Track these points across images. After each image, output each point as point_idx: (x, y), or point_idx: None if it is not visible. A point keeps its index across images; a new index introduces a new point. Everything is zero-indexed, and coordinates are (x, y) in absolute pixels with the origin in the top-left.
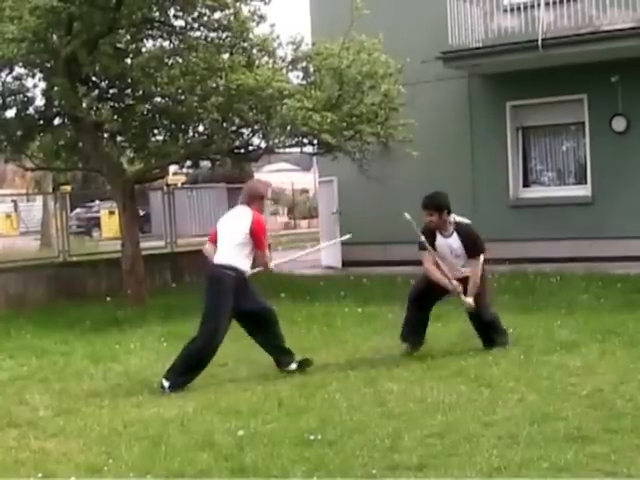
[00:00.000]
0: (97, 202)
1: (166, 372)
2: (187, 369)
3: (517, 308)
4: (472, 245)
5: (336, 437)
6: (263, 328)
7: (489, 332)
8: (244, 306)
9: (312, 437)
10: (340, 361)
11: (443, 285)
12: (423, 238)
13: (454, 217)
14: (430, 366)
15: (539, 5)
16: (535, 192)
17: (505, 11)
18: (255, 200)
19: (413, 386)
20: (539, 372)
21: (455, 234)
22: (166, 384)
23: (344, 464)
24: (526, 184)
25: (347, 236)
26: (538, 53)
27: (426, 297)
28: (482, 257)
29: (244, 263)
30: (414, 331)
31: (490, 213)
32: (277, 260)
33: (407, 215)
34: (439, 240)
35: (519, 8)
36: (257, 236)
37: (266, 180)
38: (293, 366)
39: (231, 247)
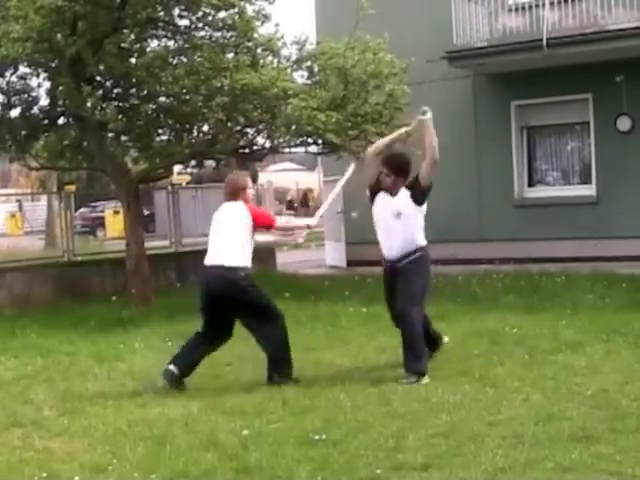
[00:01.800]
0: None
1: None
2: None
3: (522, 308)
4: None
5: (341, 437)
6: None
7: (405, 340)
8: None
9: (317, 437)
10: (344, 361)
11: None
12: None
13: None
14: (434, 366)
15: (544, 5)
16: (540, 192)
17: (510, 11)
18: (239, 193)
19: (417, 386)
20: (544, 372)
21: (403, 189)
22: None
23: (348, 464)
24: (531, 184)
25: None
26: (543, 53)
27: None
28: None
29: (248, 260)
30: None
31: (495, 213)
32: (312, 219)
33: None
34: (380, 201)
35: (524, 8)
36: (263, 221)
37: (243, 172)
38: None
39: (236, 246)
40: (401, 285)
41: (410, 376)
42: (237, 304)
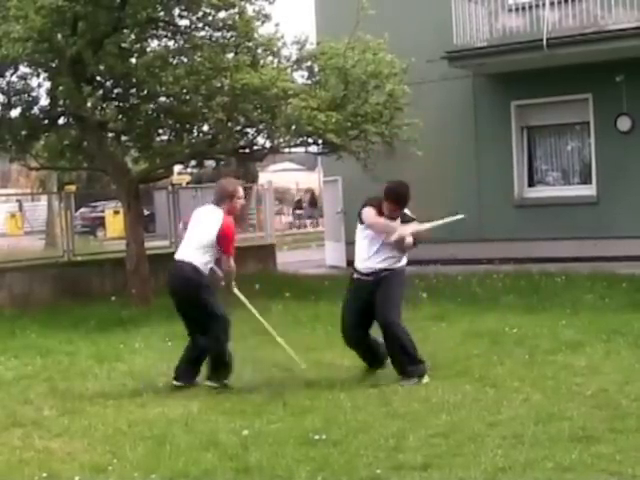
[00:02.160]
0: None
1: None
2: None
3: (522, 308)
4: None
5: (341, 437)
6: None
7: (394, 349)
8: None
9: (317, 437)
10: (345, 361)
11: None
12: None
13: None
14: (434, 366)
15: (544, 5)
16: (540, 192)
17: (510, 11)
18: (224, 199)
19: (417, 386)
20: (544, 372)
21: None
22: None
23: (349, 464)
24: (531, 184)
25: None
26: (543, 53)
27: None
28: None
29: (205, 267)
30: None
31: (495, 213)
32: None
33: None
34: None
35: (524, 8)
36: (223, 243)
37: (236, 180)
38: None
39: (195, 249)
40: (382, 296)
41: (410, 379)
42: (191, 301)
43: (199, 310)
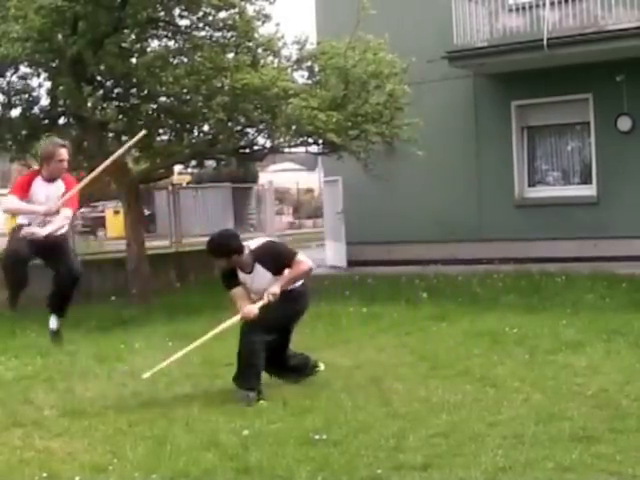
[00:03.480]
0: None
1: None
2: None
3: (522, 308)
4: (278, 258)
5: (341, 437)
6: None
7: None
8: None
9: (317, 437)
10: (345, 360)
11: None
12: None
13: (248, 248)
14: (435, 366)
15: (544, 5)
16: (540, 192)
17: (510, 11)
18: (42, 163)
19: (418, 386)
20: (544, 372)
21: (258, 265)
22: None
23: (349, 464)
24: (531, 184)
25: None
26: (543, 53)
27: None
28: (302, 258)
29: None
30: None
31: (495, 213)
32: None
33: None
34: (242, 276)
35: (524, 8)
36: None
37: (62, 142)
38: None
39: None
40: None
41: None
42: None
43: None
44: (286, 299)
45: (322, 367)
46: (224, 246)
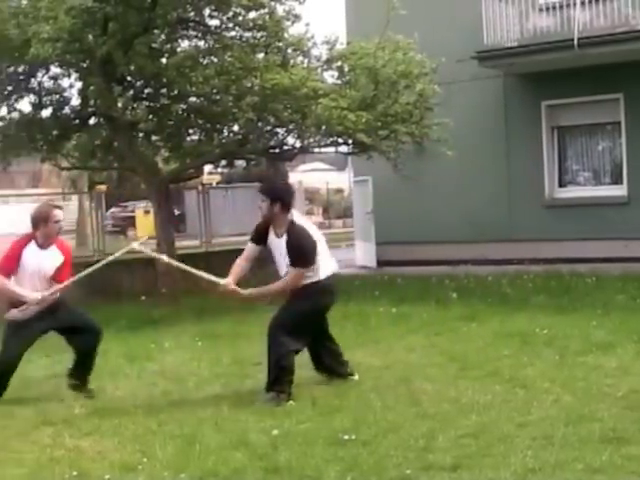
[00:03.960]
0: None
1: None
2: None
3: (552, 308)
4: (293, 252)
5: (370, 437)
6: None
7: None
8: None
9: (346, 437)
10: (374, 361)
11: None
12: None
13: (293, 216)
14: (465, 366)
15: (574, 4)
16: (571, 192)
17: (541, 10)
18: (38, 225)
19: (447, 386)
20: (574, 373)
21: (285, 238)
22: None
23: (378, 464)
24: (562, 184)
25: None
26: (574, 52)
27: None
28: (300, 271)
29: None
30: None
31: (525, 213)
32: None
33: (136, 245)
34: (271, 238)
35: (554, 7)
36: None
37: (56, 204)
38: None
39: None
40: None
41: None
42: None
43: None
44: (304, 296)
45: (356, 377)
46: (276, 190)
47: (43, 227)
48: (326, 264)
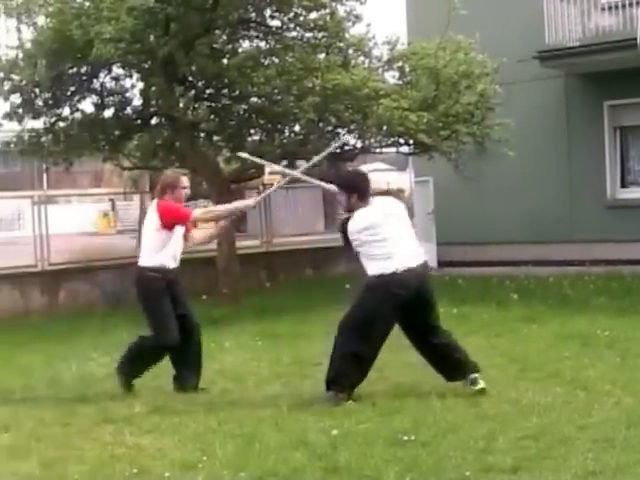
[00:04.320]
0: (201, 201)
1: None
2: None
3: (614, 310)
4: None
5: (429, 438)
6: (182, 339)
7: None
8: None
9: (405, 437)
10: None
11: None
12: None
13: (373, 200)
14: (525, 368)
15: (637, 3)
16: (633, 193)
17: (603, 10)
18: (165, 191)
19: (508, 387)
20: (636, 375)
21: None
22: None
23: (437, 465)
24: (624, 184)
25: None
26: (636, 52)
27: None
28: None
29: (163, 260)
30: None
31: (587, 214)
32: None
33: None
34: None
35: (617, 7)
36: (171, 217)
37: (181, 170)
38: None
39: (148, 248)
40: None
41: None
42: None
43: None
44: (373, 289)
45: (480, 385)
46: (350, 181)
47: (170, 194)
48: (399, 255)
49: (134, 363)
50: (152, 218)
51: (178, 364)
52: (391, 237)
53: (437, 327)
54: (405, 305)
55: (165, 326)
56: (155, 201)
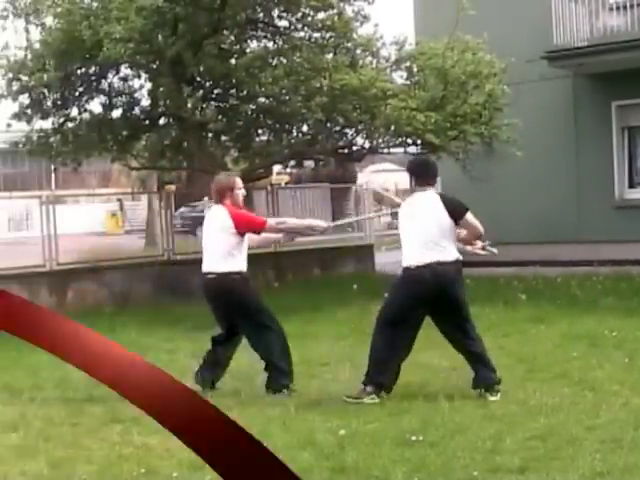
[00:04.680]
0: (205, 200)
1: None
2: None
3: (622, 311)
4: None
5: (437, 438)
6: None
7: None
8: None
9: (413, 438)
10: (442, 362)
11: None
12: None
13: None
14: (533, 368)
15: None
16: None
17: (611, 10)
18: (224, 194)
19: (515, 388)
20: None
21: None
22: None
23: (445, 465)
24: (632, 185)
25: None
26: None
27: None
28: None
29: (241, 264)
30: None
31: (595, 214)
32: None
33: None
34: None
35: (625, 6)
36: (246, 225)
37: (233, 172)
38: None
39: (222, 252)
40: None
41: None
42: (230, 308)
43: (245, 317)
44: (398, 284)
45: (495, 397)
46: (413, 165)
47: (230, 196)
48: (416, 251)
49: (281, 363)
50: (218, 223)
51: (209, 360)
52: (411, 234)
53: (464, 328)
54: (426, 302)
55: (272, 316)
56: (219, 207)
